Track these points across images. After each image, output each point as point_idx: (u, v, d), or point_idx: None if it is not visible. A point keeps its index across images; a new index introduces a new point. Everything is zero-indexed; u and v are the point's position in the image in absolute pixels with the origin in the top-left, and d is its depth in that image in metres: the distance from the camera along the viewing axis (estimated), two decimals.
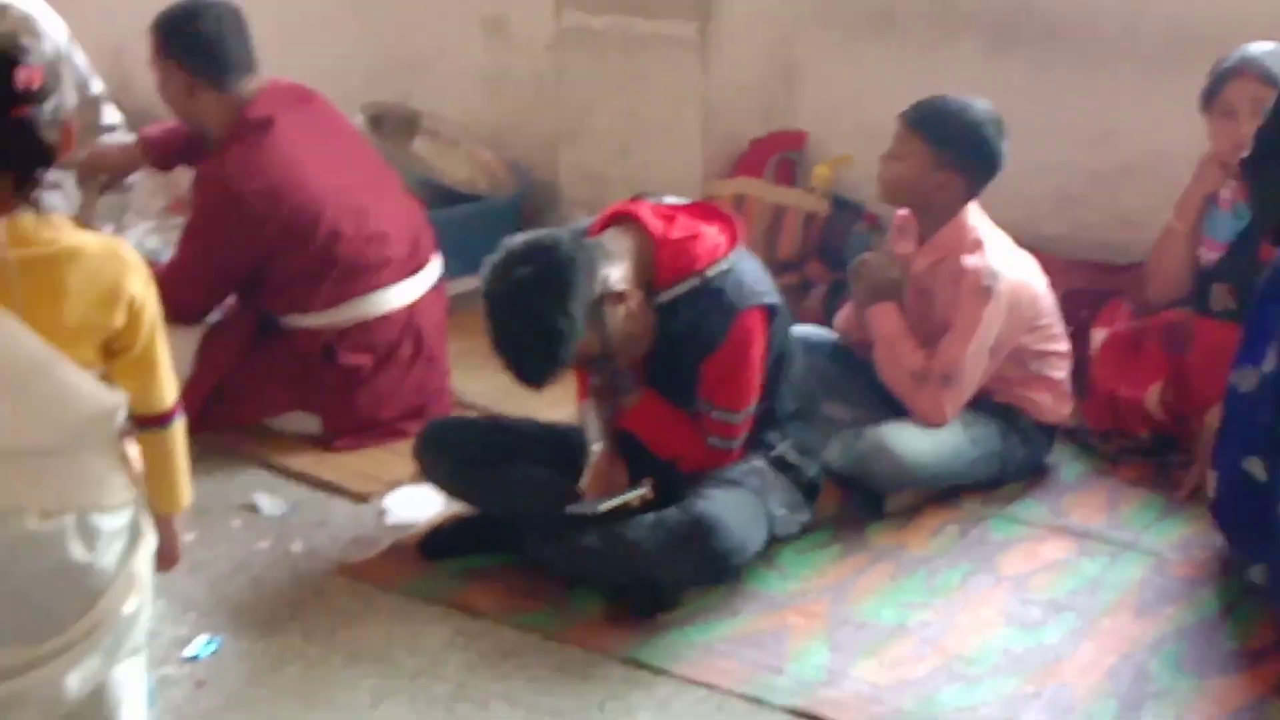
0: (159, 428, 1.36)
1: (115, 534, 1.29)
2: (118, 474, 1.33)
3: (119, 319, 1.27)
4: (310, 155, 2.31)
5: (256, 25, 2.34)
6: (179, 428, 1.38)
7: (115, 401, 1.30)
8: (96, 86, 2.80)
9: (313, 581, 1.97)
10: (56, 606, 1.25)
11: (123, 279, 1.27)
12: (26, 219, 1.23)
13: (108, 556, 1.28)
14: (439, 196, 2.89)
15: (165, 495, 1.39)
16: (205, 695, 1.71)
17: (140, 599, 1.33)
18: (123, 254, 1.30)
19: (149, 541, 1.36)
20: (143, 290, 1.29)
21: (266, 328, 2.41)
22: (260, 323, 2.41)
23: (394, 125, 3.03)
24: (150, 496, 1.38)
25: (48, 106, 1.22)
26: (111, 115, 2.84)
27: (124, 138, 2.77)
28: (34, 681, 1.24)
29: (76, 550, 1.25)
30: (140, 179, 2.82)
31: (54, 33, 2.66)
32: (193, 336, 2.35)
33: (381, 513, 2.17)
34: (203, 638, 1.81)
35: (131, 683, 1.35)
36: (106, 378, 1.30)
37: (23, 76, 1.19)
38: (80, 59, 2.76)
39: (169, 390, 1.36)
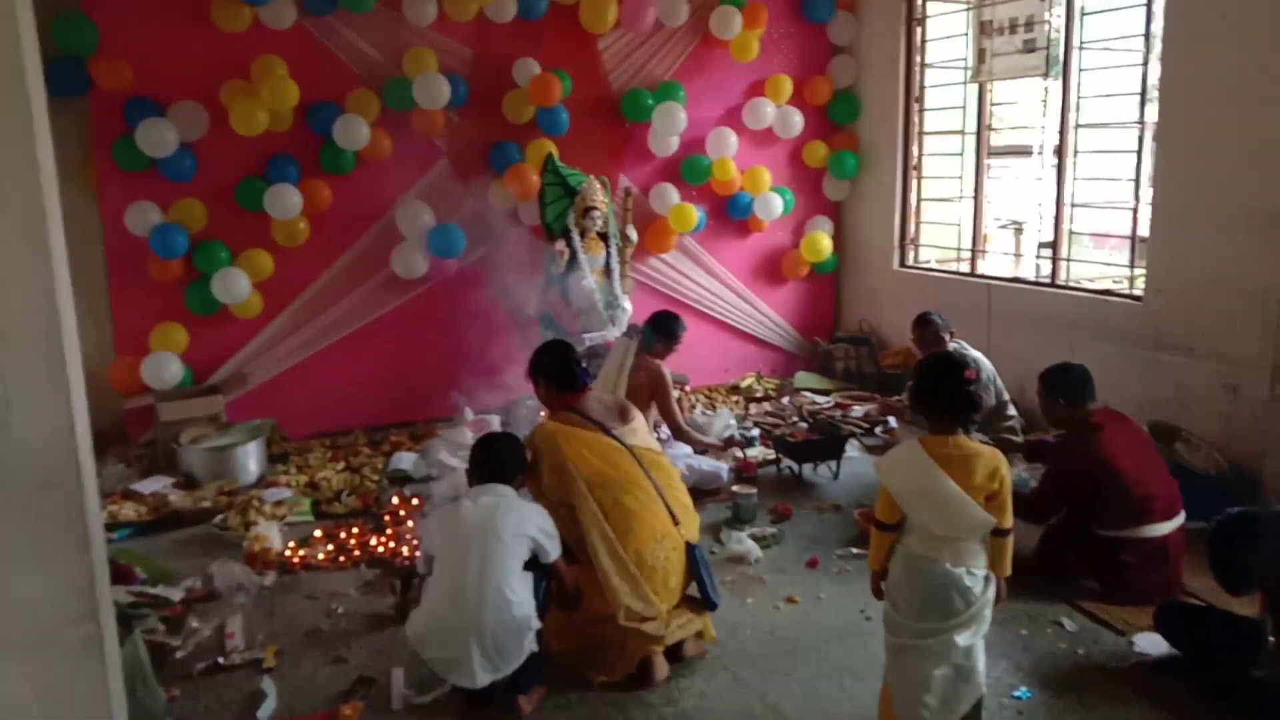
0: (1002, 536, 2.82)
1: (980, 578, 2.85)
2: (983, 554, 2.82)
3: (995, 485, 2.81)
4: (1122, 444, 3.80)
5: None
6: (1011, 537, 2.87)
7: (989, 520, 2.79)
8: (1005, 396, 4.89)
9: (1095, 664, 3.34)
10: (956, 604, 2.82)
11: (999, 468, 2.84)
12: (962, 438, 2.83)
13: (978, 587, 2.83)
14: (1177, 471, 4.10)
15: (1000, 567, 2.83)
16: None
17: (987, 612, 2.81)
18: (999, 456, 2.86)
19: (993, 587, 2.86)
20: (1006, 473, 2.84)
21: (1084, 533, 3.82)
22: (1081, 530, 3.83)
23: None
24: (993, 567, 2.86)
25: (975, 387, 2.85)
26: (1011, 410, 4.94)
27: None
28: (939, 640, 2.75)
29: (966, 581, 2.83)
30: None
31: (987, 364, 4.86)
32: (1037, 530, 3.88)
33: (1130, 644, 3.39)
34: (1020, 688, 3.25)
35: (980, 649, 2.76)
36: (985, 509, 2.85)
37: (969, 373, 2.83)
38: (999, 382, 4.89)
39: (1009, 519, 2.85)
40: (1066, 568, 3.91)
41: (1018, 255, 6.74)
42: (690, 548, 3.32)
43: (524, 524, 3.01)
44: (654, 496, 3.27)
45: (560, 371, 3.44)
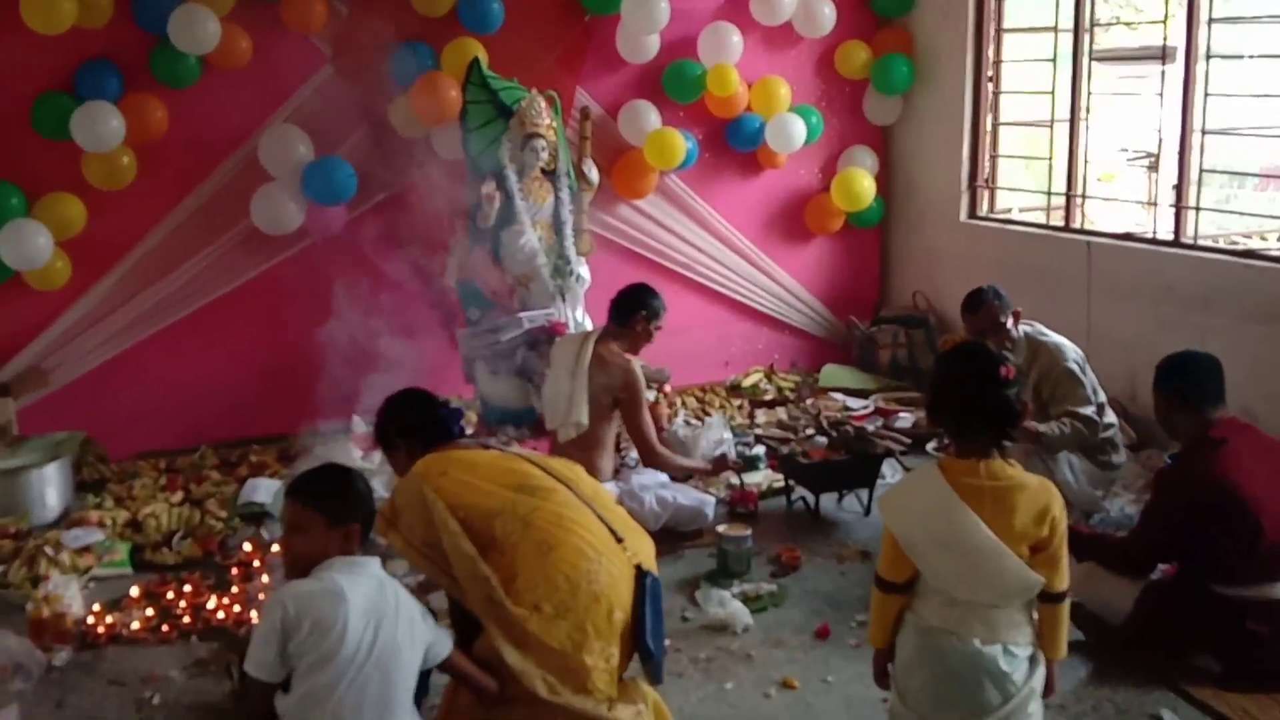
0: (1055, 602, 2.84)
1: (1023, 660, 2.82)
2: (1027, 626, 2.82)
3: (1044, 531, 2.80)
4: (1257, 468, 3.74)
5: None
6: (1067, 604, 2.85)
7: (1035, 581, 2.82)
8: (1101, 397, 4.94)
9: None
10: (988, 697, 2.81)
11: (1049, 506, 2.82)
12: (997, 463, 2.86)
13: (1019, 672, 2.81)
14: None
15: (1052, 646, 2.85)
16: None
17: (1033, 707, 2.80)
18: (1050, 490, 2.84)
19: (1040, 672, 2.83)
20: (1060, 513, 2.81)
21: (1194, 590, 3.80)
22: (1190, 586, 3.82)
23: None
24: (1044, 644, 2.86)
25: (1014, 390, 2.84)
26: (1109, 416, 5.03)
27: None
28: None
29: (1002, 664, 2.80)
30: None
31: (1072, 349, 4.92)
32: (1132, 587, 3.91)
33: None
34: None
35: None
36: (1030, 564, 2.82)
37: (1003, 371, 2.85)
38: (1092, 376, 4.93)
39: (1064, 579, 2.84)
40: (1173, 639, 3.91)
41: (1151, 204, 6.60)
42: (641, 575, 3.27)
43: (414, 626, 3.02)
44: (578, 505, 3.28)
45: (421, 423, 3.52)
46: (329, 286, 6.38)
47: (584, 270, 6.44)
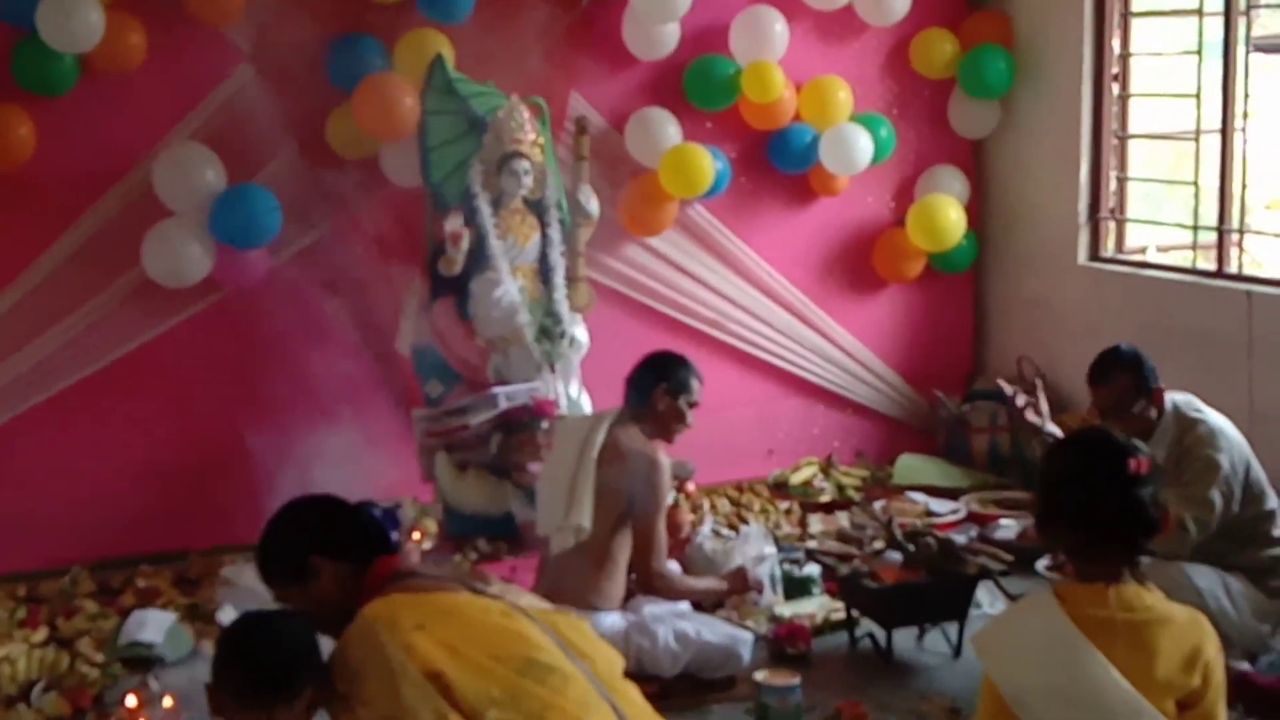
0: None
1: None
2: None
3: (1194, 680, 2.76)
4: None
5: None
6: None
7: None
8: (1273, 503, 5.04)
9: None
10: None
11: (1201, 646, 2.79)
12: (1131, 588, 2.82)
13: None
14: None
15: None
16: None
17: None
18: (1204, 624, 2.81)
19: None
20: (1215, 655, 2.79)
21: None
22: None
23: None
24: None
25: (1150, 490, 2.80)
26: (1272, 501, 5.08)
27: None
28: None
29: None
30: None
31: (1235, 436, 4.97)
32: None
33: None
34: None
35: None
36: None
37: (1133, 464, 2.82)
38: (1259, 474, 5.00)
39: None
40: None
41: None
42: None
43: None
44: (598, 704, 3.25)
45: (350, 532, 3.45)
46: (245, 355, 6.44)
47: (579, 331, 6.46)
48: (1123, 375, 5.02)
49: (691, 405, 5.22)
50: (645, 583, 5.17)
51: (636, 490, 5.05)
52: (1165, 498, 2.98)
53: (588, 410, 6.49)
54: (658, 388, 5.16)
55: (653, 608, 5.13)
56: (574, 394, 6.42)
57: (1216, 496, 4.87)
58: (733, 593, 5.44)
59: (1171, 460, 4.96)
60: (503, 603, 3.37)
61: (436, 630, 3.17)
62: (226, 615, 5.41)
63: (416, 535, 6.15)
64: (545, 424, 6.16)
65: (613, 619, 4.95)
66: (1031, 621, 2.90)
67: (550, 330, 6.29)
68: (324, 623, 3.33)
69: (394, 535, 3.54)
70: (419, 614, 3.20)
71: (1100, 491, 2.86)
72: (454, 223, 6.17)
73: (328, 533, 3.44)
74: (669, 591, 5.19)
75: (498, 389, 6.17)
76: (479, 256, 6.21)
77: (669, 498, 5.24)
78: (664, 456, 5.15)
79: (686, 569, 5.59)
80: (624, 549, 5.12)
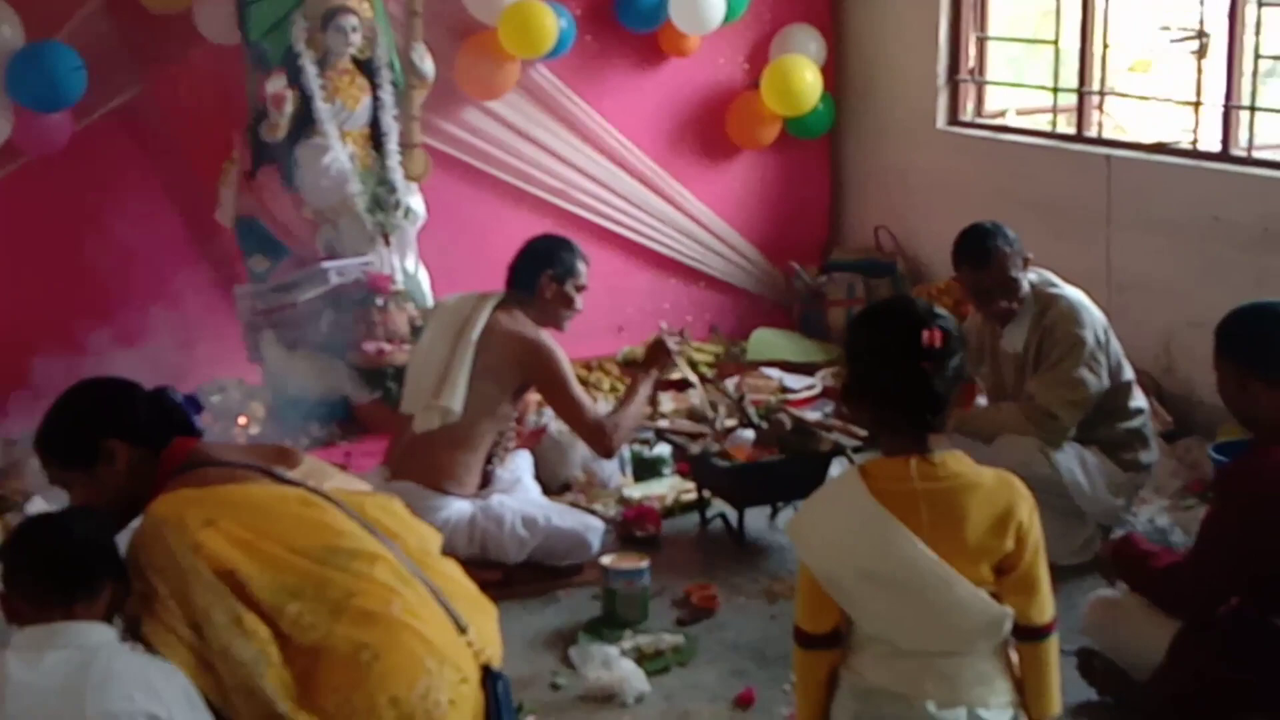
0: (1037, 640, 2.87)
1: None
2: (1001, 679, 2.86)
3: (1007, 543, 2.81)
4: None
5: None
6: (1054, 642, 2.91)
7: (1000, 614, 2.81)
8: (1128, 374, 5.12)
9: None
10: None
11: (1013, 508, 2.83)
12: (935, 457, 2.80)
13: None
14: None
15: (1038, 701, 2.89)
16: None
17: None
18: (1015, 485, 2.88)
19: None
20: (1029, 516, 2.86)
21: (1255, 630, 3.86)
22: (1250, 624, 3.88)
23: None
24: (1027, 700, 2.89)
25: (950, 363, 2.85)
26: (1138, 399, 5.16)
27: None
28: None
29: None
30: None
31: (1094, 313, 5.04)
32: (1169, 626, 3.95)
33: None
34: None
35: None
36: (996, 594, 2.85)
37: (925, 336, 2.80)
38: (1116, 347, 5.08)
39: (1047, 607, 2.89)
40: (1223, 701, 3.89)
41: (1196, 103, 6.57)
42: (489, 676, 3.33)
43: (130, 700, 2.95)
44: (408, 580, 3.28)
45: (142, 412, 3.40)
46: (50, 229, 6.28)
47: (416, 202, 6.39)
48: (997, 257, 5.04)
49: (579, 289, 5.24)
50: (599, 445, 5.20)
51: (529, 375, 5.11)
52: (968, 370, 3.02)
53: (425, 286, 6.48)
54: (543, 274, 5.16)
55: (501, 496, 5.15)
56: (410, 268, 6.39)
57: (1086, 374, 4.96)
58: (660, 365, 5.41)
59: (1034, 341, 5.05)
60: (302, 490, 3.34)
61: (228, 525, 3.15)
62: (36, 507, 5.30)
63: (243, 420, 6.08)
64: (380, 300, 6.13)
65: (460, 505, 4.97)
66: (838, 502, 2.94)
67: (384, 200, 6.21)
68: (113, 513, 3.30)
69: (196, 420, 3.49)
70: (208, 509, 3.17)
71: (888, 366, 2.88)
72: (276, 84, 6.03)
73: (124, 413, 3.37)
74: (620, 430, 5.18)
75: (328, 263, 6.11)
76: (304, 121, 6.11)
77: (569, 370, 5.21)
78: (550, 339, 5.17)
79: (538, 460, 5.64)
80: (486, 438, 5.15)
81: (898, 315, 2.96)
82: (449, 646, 3.26)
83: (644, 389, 5.37)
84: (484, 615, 3.47)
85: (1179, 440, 5.92)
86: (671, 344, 5.40)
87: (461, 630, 3.32)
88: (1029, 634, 2.94)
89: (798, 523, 3.03)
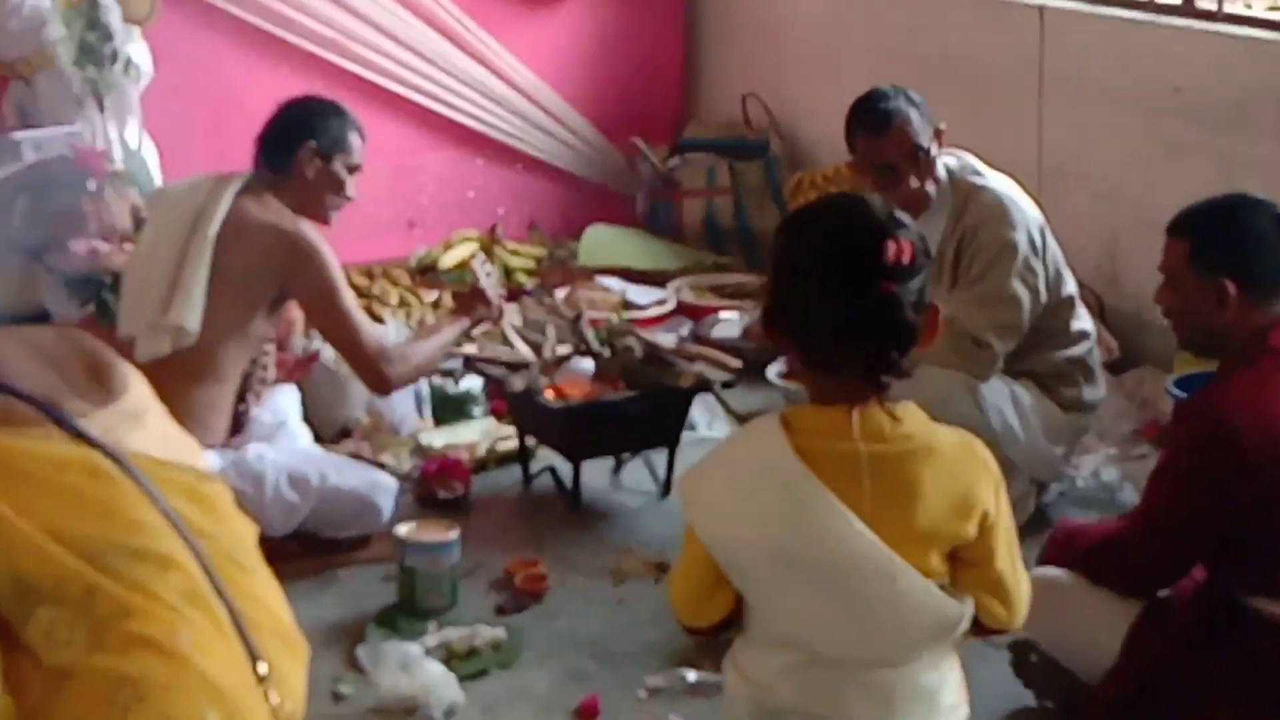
0: (992, 635, 2.92)
1: None
2: (945, 690, 2.80)
3: (967, 526, 2.74)
4: None
5: None
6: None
7: (956, 614, 2.75)
8: (1070, 288, 5.17)
9: None
10: None
11: (975, 483, 2.74)
12: (881, 412, 2.74)
13: None
14: None
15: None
16: None
17: None
18: (978, 451, 2.81)
19: None
20: (996, 493, 2.78)
21: (1223, 613, 3.87)
22: (1217, 606, 3.89)
23: None
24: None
25: (913, 285, 2.74)
26: (1081, 319, 5.23)
27: None
28: None
29: None
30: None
31: (1025, 208, 5.03)
32: (1126, 616, 3.94)
33: None
34: None
35: None
36: (947, 588, 2.79)
37: (891, 249, 2.76)
38: (1055, 251, 5.09)
39: (1018, 609, 2.85)
40: (1185, 703, 3.91)
41: None
42: None
43: None
44: (203, 599, 3.15)
45: None
46: None
47: (139, 52, 6.28)
48: (897, 123, 5.00)
49: (352, 170, 5.19)
50: (372, 377, 5.16)
51: (283, 279, 5.03)
52: (939, 296, 2.96)
53: (152, 166, 6.41)
54: (303, 147, 5.06)
55: (261, 445, 5.10)
56: (132, 141, 6.28)
57: (1019, 287, 4.96)
58: (478, 319, 5.51)
59: (951, 245, 5.03)
60: (95, 454, 3.17)
61: None
62: None
63: None
64: (93, 184, 5.97)
65: (209, 458, 4.76)
66: (747, 458, 2.86)
67: (96, 50, 6.02)
68: None
69: None
70: None
71: (839, 285, 2.77)
72: None
73: None
74: (407, 364, 5.16)
75: (20, 134, 6.04)
76: None
77: (340, 276, 5.13)
78: (315, 231, 5.08)
79: (309, 397, 5.63)
80: (236, 368, 5.12)
81: (852, 219, 2.84)
82: (241, 698, 3.16)
83: (449, 332, 5.41)
84: (291, 656, 3.35)
85: (1127, 372, 6.00)
86: (492, 292, 5.45)
87: (260, 679, 3.23)
88: (987, 632, 2.97)
89: (693, 480, 2.95)
